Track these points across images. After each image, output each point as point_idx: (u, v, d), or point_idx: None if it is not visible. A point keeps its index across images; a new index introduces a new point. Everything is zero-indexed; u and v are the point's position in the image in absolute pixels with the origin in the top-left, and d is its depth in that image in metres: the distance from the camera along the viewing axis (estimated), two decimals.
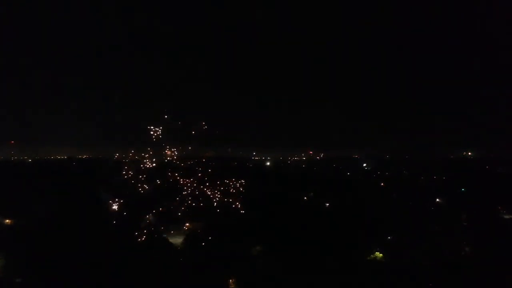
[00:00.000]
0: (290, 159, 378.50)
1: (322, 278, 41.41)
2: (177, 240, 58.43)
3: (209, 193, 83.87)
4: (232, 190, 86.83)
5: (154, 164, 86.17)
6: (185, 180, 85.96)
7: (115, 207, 71.60)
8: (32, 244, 47.62)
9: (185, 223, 70.17)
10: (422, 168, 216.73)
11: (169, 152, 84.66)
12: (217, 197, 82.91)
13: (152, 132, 78.97)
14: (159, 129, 79.08)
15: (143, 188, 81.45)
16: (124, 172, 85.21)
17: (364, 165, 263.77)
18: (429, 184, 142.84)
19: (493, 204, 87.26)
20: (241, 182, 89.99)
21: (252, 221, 61.81)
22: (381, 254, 50.16)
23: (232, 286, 42.12)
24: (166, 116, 79.81)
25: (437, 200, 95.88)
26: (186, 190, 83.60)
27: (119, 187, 79.98)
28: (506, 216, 78.76)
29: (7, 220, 67.42)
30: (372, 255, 50.13)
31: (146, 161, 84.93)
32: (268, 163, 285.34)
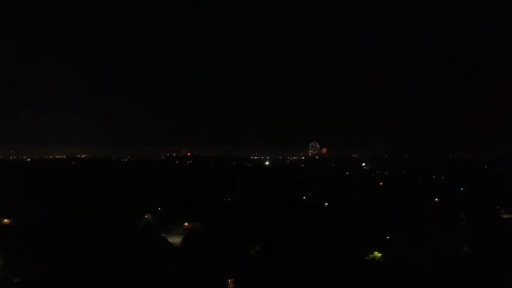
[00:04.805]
0: (289, 158, 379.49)
1: (321, 277, 41.46)
2: (176, 240, 58.40)
3: None
4: None
5: None
6: None
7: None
8: (31, 244, 47.55)
9: (184, 223, 69.99)
10: (421, 168, 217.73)
11: None
12: None
13: None
14: None
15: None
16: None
17: (363, 164, 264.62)
18: (428, 183, 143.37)
19: (491, 204, 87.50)
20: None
21: (251, 221, 61.79)
22: (380, 254, 50.21)
23: (231, 286, 42.11)
24: None
25: (436, 199, 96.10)
26: None
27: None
28: (505, 216, 78.90)
29: (6, 220, 67.19)
30: (371, 255, 50.18)
31: None
32: (267, 163, 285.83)
